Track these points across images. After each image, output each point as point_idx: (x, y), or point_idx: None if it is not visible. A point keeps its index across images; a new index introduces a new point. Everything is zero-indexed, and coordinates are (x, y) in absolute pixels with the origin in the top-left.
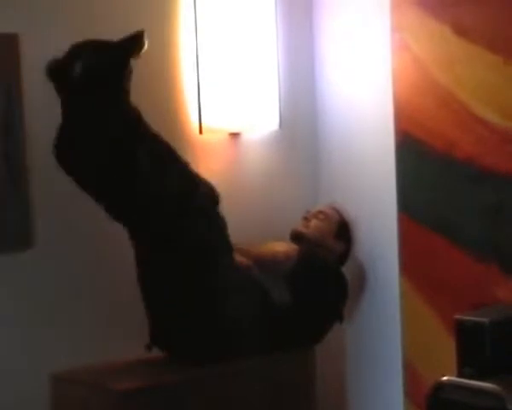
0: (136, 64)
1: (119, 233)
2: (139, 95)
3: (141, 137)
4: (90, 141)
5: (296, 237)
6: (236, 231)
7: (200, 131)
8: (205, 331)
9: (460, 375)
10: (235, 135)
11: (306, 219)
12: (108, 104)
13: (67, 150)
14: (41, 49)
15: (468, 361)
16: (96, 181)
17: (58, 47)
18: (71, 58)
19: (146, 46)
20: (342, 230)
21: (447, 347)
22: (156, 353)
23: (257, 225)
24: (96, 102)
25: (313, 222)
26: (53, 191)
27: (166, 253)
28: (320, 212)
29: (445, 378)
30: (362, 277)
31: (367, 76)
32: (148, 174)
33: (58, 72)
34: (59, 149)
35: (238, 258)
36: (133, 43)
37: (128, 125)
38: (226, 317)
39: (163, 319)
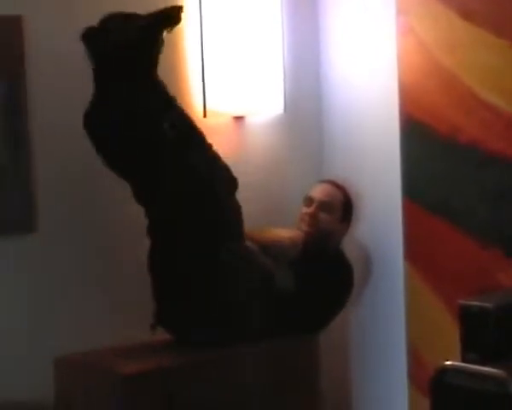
0: None
1: (121, 218)
2: None
3: (168, 108)
4: (119, 112)
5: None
6: None
7: (205, 115)
8: (208, 315)
9: (463, 360)
10: (239, 118)
11: (313, 216)
12: (137, 76)
13: (97, 121)
14: (45, 31)
15: (472, 346)
16: (123, 153)
17: (62, 29)
18: (105, 27)
19: (180, 21)
20: (347, 209)
21: (451, 332)
22: (160, 334)
23: (261, 208)
24: (126, 73)
25: (321, 217)
26: (56, 177)
27: (179, 232)
28: (325, 202)
29: (448, 363)
30: (366, 262)
31: (372, 59)
32: (172, 147)
33: (93, 38)
34: (89, 119)
35: (243, 243)
36: (167, 18)
37: (156, 96)
38: (230, 301)
39: (168, 299)
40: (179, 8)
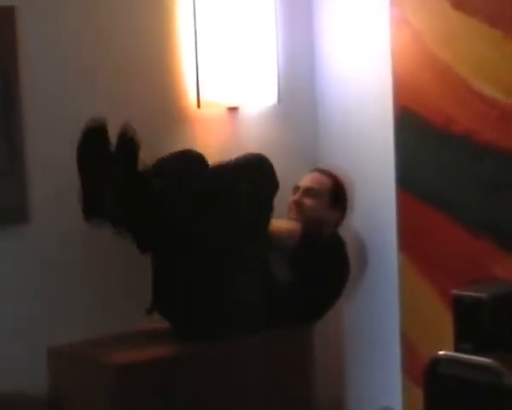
0: (136, 38)
1: None
2: (138, 69)
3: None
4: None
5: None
6: None
7: (198, 106)
8: (207, 306)
9: (457, 350)
10: (233, 109)
11: (298, 203)
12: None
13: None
14: (38, 22)
15: (466, 336)
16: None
17: (56, 20)
18: (97, 196)
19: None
20: (336, 196)
21: (445, 322)
22: (156, 322)
23: None
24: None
25: (306, 203)
26: (50, 168)
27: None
28: (310, 188)
29: (441, 353)
30: (361, 252)
31: (366, 50)
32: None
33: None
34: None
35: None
36: (130, 151)
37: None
38: (229, 293)
39: (168, 289)
40: (130, 138)
